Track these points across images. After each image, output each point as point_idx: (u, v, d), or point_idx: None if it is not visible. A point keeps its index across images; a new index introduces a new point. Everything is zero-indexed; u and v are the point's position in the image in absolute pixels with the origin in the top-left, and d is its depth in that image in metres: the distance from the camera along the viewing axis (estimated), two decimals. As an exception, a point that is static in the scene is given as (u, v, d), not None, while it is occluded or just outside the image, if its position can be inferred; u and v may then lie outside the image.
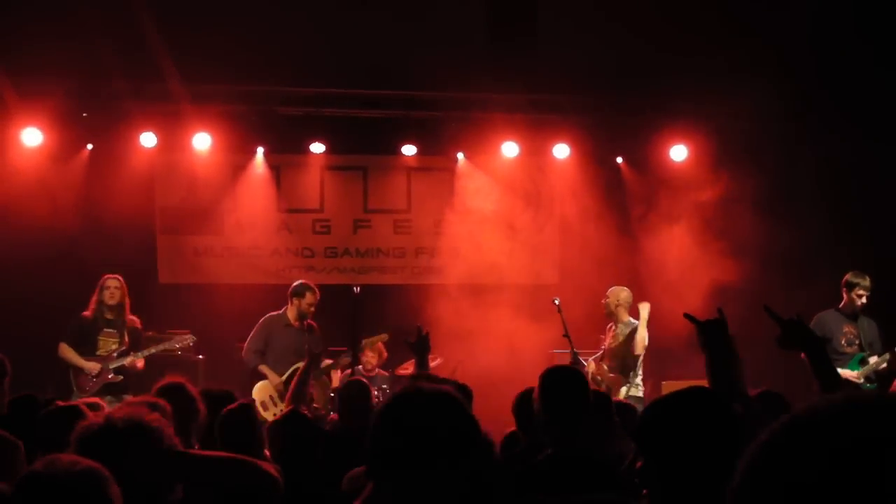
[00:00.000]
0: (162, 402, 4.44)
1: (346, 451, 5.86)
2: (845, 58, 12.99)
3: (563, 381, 4.80)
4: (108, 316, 11.14)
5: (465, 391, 5.76)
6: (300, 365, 11.23)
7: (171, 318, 12.52)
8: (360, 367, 12.21)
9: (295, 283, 11.81)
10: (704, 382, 4.28)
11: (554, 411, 4.54)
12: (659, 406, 3.34)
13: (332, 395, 11.18)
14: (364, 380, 8.39)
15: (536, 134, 14.05)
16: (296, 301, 11.56)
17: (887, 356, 10.72)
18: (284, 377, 11.30)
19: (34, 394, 6.51)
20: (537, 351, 12.15)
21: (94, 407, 5.64)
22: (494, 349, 12.48)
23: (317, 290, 11.64)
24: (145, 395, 5.33)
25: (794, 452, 1.33)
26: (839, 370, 10.52)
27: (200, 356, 12.48)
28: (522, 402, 5.78)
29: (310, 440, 5.91)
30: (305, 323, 11.59)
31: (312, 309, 11.52)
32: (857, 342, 10.94)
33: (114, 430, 3.34)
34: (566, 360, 11.00)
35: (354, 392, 7.66)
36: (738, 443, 3.16)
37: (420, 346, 7.15)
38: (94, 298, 11.15)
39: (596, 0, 13.38)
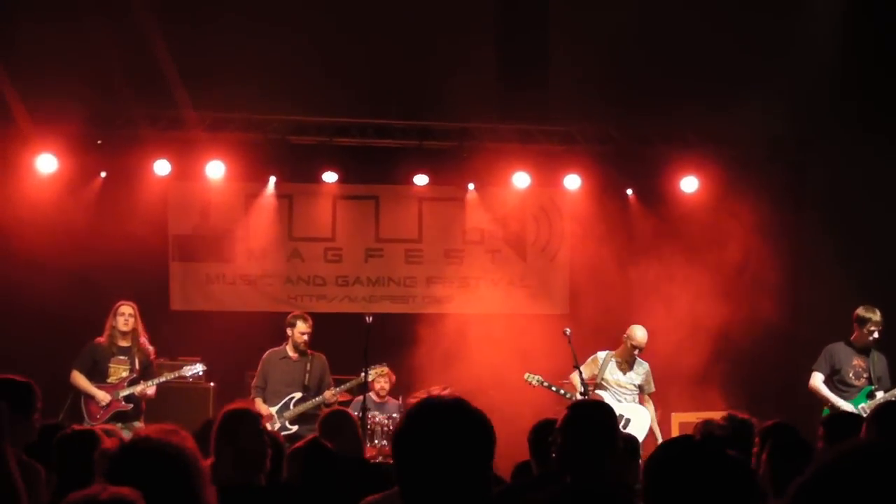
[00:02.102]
0: (184, 432, 4.47)
1: (364, 478, 5.89)
2: (857, 84, 13.03)
3: (592, 414, 4.78)
4: (121, 343, 11.13)
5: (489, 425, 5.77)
6: (296, 395, 11.38)
7: (183, 346, 12.54)
8: (373, 393, 12.22)
9: (289, 315, 11.85)
10: (712, 415, 4.28)
11: (579, 444, 4.54)
12: (665, 459, 3.22)
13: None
14: (350, 411, 8.48)
15: (547, 165, 14.10)
16: (289, 331, 11.58)
17: (895, 391, 10.72)
18: (277, 407, 11.34)
19: (60, 423, 6.55)
20: (547, 381, 12.13)
21: (110, 434, 5.69)
22: (505, 379, 12.48)
23: (309, 318, 11.61)
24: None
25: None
26: (844, 403, 10.58)
27: (212, 384, 12.50)
28: (539, 432, 5.80)
29: (328, 467, 5.95)
30: (309, 353, 11.59)
31: (305, 338, 11.47)
32: (865, 375, 10.91)
33: (143, 451, 3.35)
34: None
35: (334, 422, 7.53)
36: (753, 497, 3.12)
37: None
38: (108, 324, 11.18)
39: (607, 32, 13.45)
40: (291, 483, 5.92)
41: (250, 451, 5.32)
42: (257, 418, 5.56)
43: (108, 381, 11.07)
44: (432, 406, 3.12)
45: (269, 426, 10.97)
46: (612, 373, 11.51)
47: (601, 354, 11.56)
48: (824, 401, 10.82)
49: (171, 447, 3.33)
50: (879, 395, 10.73)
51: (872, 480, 1.47)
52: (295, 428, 11.19)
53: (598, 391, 11.40)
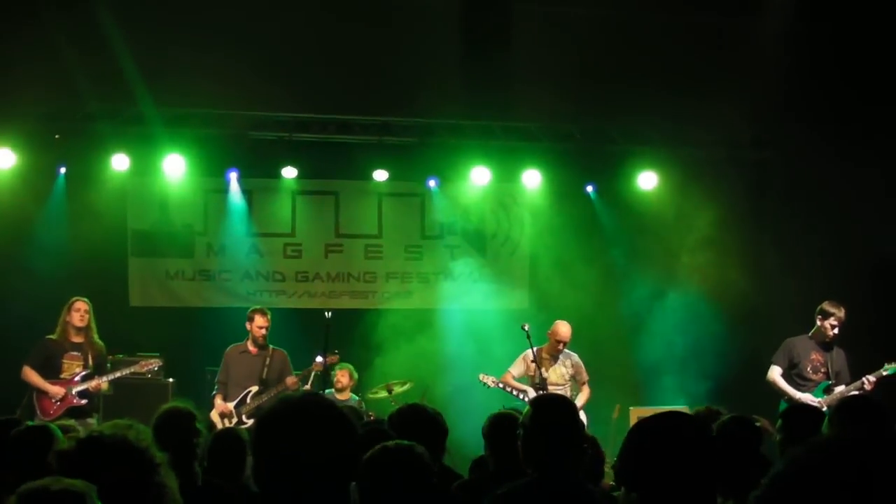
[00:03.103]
0: (141, 426, 4.46)
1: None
2: (813, 84, 13.16)
3: (554, 409, 4.81)
4: (74, 339, 11.07)
5: (437, 420, 5.79)
6: (253, 388, 11.39)
7: (142, 342, 12.47)
8: (333, 390, 12.24)
9: (249, 310, 11.86)
10: (671, 409, 4.33)
11: (542, 438, 4.56)
12: (640, 432, 3.39)
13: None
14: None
15: (507, 161, 14.15)
16: (248, 326, 11.58)
17: (853, 387, 10.81)
18: (235, 402, 11.35)
19: (17, 419, 6.50)
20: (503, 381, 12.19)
21: (69, 430, 5.66)
22: (463, 374, 12.54)
23: (266, 312, 11.62)
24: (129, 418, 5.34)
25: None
26: (804, 395, 10.68)
27: (171, 379, 12.45)
28: (495, 426, 5.82)
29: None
30: (269, 348, 11.59)
31: (263, 332, 11.48)
32: (823, 370, 11.00)
33: (99, 444, 3.32)
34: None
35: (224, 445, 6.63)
36: (716, 466, 3.25)
37: None
38: (61, 320, 11.11)
39: (569, 30, 13.52)
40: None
41: (179, 449, 5.20)
42: (182, 416, 5.50)
43: (62, 376, 11.01)
44: (282, 405, 3.03)
45: (227, 422, 11.02)
46: (546, 369, 11.64)
47: (529, 353, 11.65)
48: (781, 393, 10.92)
49: (125, 441, 3.31)
50: (837, 389, 10.83)
51: (840, 478, 1.49)
52: (251, 422, 11.18)
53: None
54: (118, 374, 11.34)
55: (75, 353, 11.07)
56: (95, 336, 11.24)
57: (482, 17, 14.18)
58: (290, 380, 11.42)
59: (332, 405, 3.10)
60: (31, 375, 10.94)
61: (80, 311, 11.06)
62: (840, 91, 12.97)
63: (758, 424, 5.97)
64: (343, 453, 2.93)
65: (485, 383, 11.62)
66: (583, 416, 11.55)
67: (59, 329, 11.09)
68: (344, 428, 2.97)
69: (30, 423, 5.80)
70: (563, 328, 11.80)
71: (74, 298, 11.17)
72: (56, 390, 10.89)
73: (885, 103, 12.74)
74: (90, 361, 11.10)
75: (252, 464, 2.98)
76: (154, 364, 11.66)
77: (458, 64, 14.12)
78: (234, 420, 11.21)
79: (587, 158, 14.29)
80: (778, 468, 1.56)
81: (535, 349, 11.52)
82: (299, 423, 2.92)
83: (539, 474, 4.48)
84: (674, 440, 3.28)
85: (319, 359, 11.40)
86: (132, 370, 11.47)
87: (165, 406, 5.66)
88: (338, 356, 11.85)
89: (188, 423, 5.44)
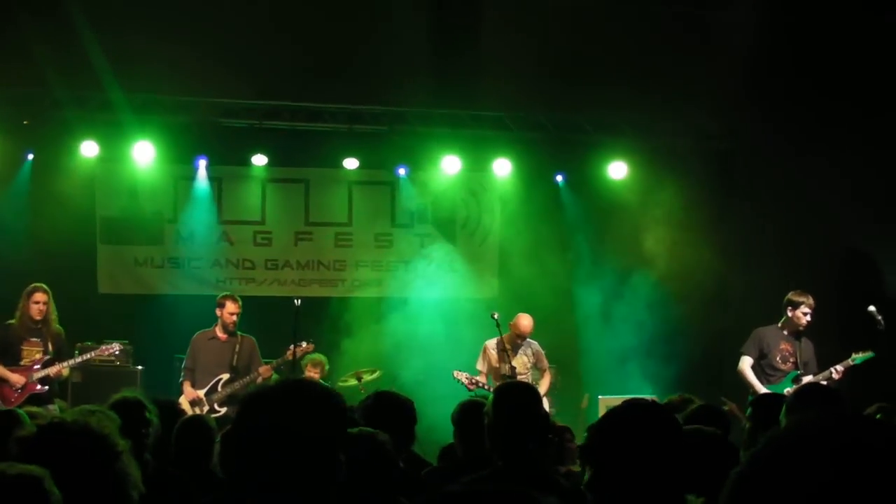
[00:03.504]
0: (110, 413, 4.45)
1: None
2: (777, 76, 13.28)
3: (518, 396, 4.86)
4: (33, 325, 11.02)
5: (407, 406, 5.82)
6: (224, 376, 11.38)
7: (111, 329, 12.43)
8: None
9: (220, 296, 11.85)
10: (639, 398, 4.39)
11: (506, 426, 4.61)
12: (609, 417, 3.45)
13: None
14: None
15: (478, 150, 14.17)
16: (218, 312, 11.59)
17: (821, 376, 10.90)
18: (205, 389, 11.35)
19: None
20: (475, 364, 12.23)
21: (35, 416, 5.65)
22: (433, 362, 12.57)
23: (237, 299, 11.65)
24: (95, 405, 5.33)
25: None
26: (765, 389, 10.76)
27: (140, 367, 12.42)
28: (464, 413, 5.86)
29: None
30: (238, 335, 11.60)
31: (234, 318, 11.50)
32: (791, 360, 11.09)
33: (61, 430, 3.30)
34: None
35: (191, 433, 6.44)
36: (681, 452, 3.31)
37: None
38: (20, 306, 11.03)
39: (539, 18, 13.56)
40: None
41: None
42: (131, 406, 5.49)
43: (22, 363, 10.93)
44: (270, 389, 2.90)
45: (197, 409, 11.00)
46: (507, 359, 11.72)
47: (490, 343, 11.72)
48: (748, 386, 11.01)
49: (87, 428, 3.29)
50: (805, 379, 10.90)
51: (807, 462, 1.50)
52: (224, 410, 11.18)
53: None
54: (79, 360, 11.29)
55: (35, 340, 10.98)
56: (55, 321, 11.16)
57: (453, 5, 14.21)
58: (264, 368, 11.44)
59: (328, 388, 3.06)
60: None
61: (38, 304, 10.91)
62: (802, 84, 13.10)
63: (725, 408, 6.05)
64: (337, 433, 2.87)
65: (459, 380, 11.64)
66: (546, 402, 11.65)
67: (17, 315, 11.01)
68: (340, 407, 2.90)
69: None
70: (525, 321, 11.90)
71: (33, 286, 11.03)
72: (16, 378, 10.81)
73: (845, 97, 12.89)
74: (50, 347, 11.02)
75: (223, 448, 2.94)
76: (116, 348, 11.60)
77: (429, 53, 14.13)
78: (206, 408, 11.20)
79: (557, 148, 14.33)
80: (758, 447, 1.59)
81: (495, 339, 11.62)
82: (296, 398, 2.82)
83: (504, 462, 4.53)
84: (638, 430, 3.34)
85: (297, 347, 11.45)
86: (93, 355, 11.43)
87: (115, 396, 5.65)
88: (313, 345, 11.87)
89: (138, 413, 5.43)
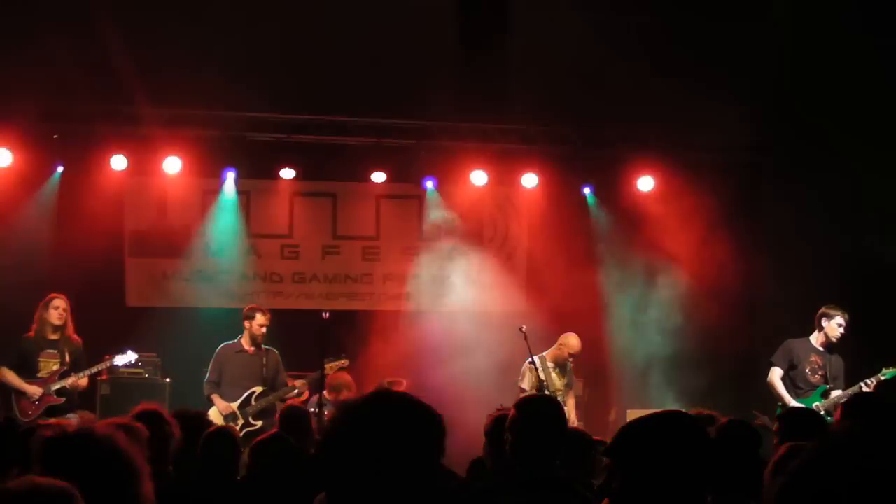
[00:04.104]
0: (138, 425, 4.46)
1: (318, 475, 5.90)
2: (815, 89, 13.20)
3: (540, 408, 4.83)
4: (50, 336, 11.03)
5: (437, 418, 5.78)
6: (256, 389, 11.34)
7: (139, 342, 12.42)
8: (327, 391, 12.20)
9: (246, 307, 11.86)
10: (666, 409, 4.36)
11: (529, 438, 4.58)
12: (637, 426, 3.42)
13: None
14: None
15: (505, 163, 14.15)
16: (247, 324, 11.59)
17: (850, 392, 10.81)
18: (238, 402, 11.33)
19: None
20: (503, 377, 12.20)
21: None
22: (460, 375, 12.53)
23: (267, 312, 11.67)
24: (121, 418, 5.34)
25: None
26: (795, 402, 10.68)
27: (168, 379, 12.46)
28: (496, 426, 5.83)
29: (290, 462, 5.97)
30: (263, 349, 11.60)
31: (263, 330, 11.52)
32: (820, 373, 11.03)
33: (86, 439, 3.28)
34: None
35: (296, 417, 7.46)
36: (709, 465, 3.28)
37: None
38: (37, 317, 11.07)
39: (567, 32, 13.52)
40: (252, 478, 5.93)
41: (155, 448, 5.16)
42: (151, 418, 5.49)
43: (39, 375, 10.96)
44: (375, 398, 2.79)
45: (231, 423, 10.96)
46: (551, 378, 11.69)
47: (536, 359, 11.67)
48: (777, 397, 10.94)
49: (104, 440, 3.27)
50: (834, 394, 10.84)
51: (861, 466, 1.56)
52: (259, 423, 11.16)
53: None
54: (94, 370, 11.30)
55: (51, 351, 11.02)
56: (72, 332, 11.19)
57: (480, 20, 14.20)
58: (300, 382, 11.44)
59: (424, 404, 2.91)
60: (8, 376, 10.91)
61: (58, 309, 11.00)
62: (832, 96, 13.02)
63: (757, 423, 6.00)
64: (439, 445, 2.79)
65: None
66: (574, 415, 11.63)
67: (35, 327, 11.05)
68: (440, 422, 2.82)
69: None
70: (575, 341, 11.96)
71: (52, 295, 11.12)
72: (33, 390, 10.85)
73: (875, 109, 12.80)
74: (67, 358, 11.06)
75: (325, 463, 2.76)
76: (130, 357, 11.58)
77: (457, 66, 14.12)
78: (241, 422, 11.17)
79: (585, 161, 14.30)
80: (800, 461, 1.59)
81: (538, 356, 11.58)
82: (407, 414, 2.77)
83: (526, 474, 4.51)
84: (669, 435, 3.30)
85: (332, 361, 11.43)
86: (108, 365, 11.46)
87: (137, 409, 5.65)
88: (347, 360, 11.86)
89: (158, 425, 5.42)
